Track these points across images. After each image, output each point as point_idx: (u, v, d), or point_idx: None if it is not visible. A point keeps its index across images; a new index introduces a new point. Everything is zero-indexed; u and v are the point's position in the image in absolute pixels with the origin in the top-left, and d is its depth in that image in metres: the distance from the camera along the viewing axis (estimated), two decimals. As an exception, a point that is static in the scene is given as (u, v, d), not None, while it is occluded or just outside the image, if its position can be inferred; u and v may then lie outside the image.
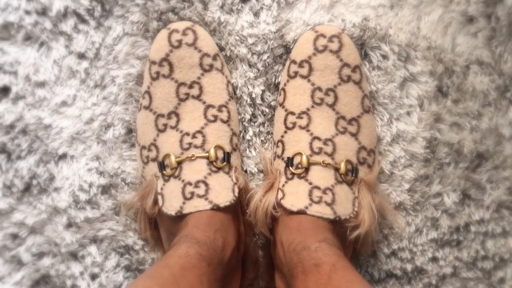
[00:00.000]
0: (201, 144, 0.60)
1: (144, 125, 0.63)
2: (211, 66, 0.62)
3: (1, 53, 0.66)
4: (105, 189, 0.67)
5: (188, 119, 0.61)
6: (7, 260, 0.68)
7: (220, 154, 0.60)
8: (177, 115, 0.61)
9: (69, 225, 0.67)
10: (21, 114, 0.66)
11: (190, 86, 0.61)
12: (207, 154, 0.59)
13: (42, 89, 0.66)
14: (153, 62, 0.61)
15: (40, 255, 0.68)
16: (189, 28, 0.61)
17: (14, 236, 0.68)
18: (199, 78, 0.61)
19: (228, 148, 0.61)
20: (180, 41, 0.61)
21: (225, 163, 0.60)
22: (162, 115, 0.62)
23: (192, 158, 0.59)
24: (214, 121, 0.61)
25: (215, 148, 0.60)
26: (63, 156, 0.67)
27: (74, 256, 0.68)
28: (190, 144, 0.60)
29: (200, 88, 0.61)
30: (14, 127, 0.66)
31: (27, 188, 0.67)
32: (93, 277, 0.68)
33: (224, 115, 0.62)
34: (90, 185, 0.67)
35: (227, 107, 0.63)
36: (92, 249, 0.68)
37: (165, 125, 0.62)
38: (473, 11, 0.64)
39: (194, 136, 0.60)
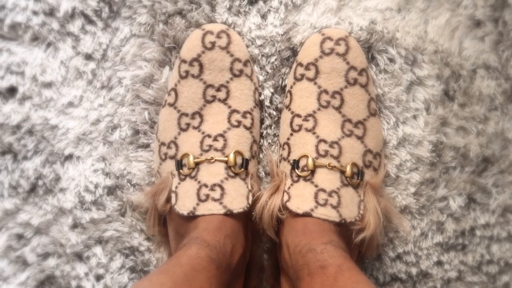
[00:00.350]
0: (221, 148, 0.60)
1: (167, 122, 0.63)
2: (241, 71, 0.62)
3: (8, 54, 0.66)
4: (111, 190, 0.67)
5: (211, 121, 0.61)
6: (12, 261, 0.68)
7: (239, 160, 0.60)
8: (201, 116, 0.62)
9: (74, 226, 0.67)
10: (27, 115, 0.66)
11: (218, 89, 0.61)
12: (226, 159, 0.59)
13: (49, 90, 0.66)
14: (184, 61, 0.62)
15: (45, 256, 0.68)
16: (223, 31, 0.61)
17: (20, 237, 0.68)
18: (227, 82, 0.62)
19: (247, 155, 0.61)
20: (213, 43, 0.61)
21: (242, 169, 0.60)
22: (186, 114, 0.62)
23: (211, 160, 0.59)
24: (237, 126, 0.62)
25: (234, 154, 0.60)
26: (69, 157, 0.67)
27: (79, 257, 0.68)
28: (210, 146, 0.60)
29: (228, 92, 0.62)
30: (21, 128, 0.66)
31: (33, 189, 0.67)
32: (98, 278, 0.68)
33: (247, 122, 0.62)
34: (96, 186, 0.67)
35: (252, 114, 0.63)
36: (97, 250, 0.68)
37: (188, 124, 0.62)
38: (480, 15, 0.64)
39: (215, 139, 0.61)
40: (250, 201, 0.59)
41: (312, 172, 0.59)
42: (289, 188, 0.60)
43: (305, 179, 0.59)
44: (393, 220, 0.66)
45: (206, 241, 0.55)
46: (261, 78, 0.65)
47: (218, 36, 0.61)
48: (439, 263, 0.68)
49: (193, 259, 0.52)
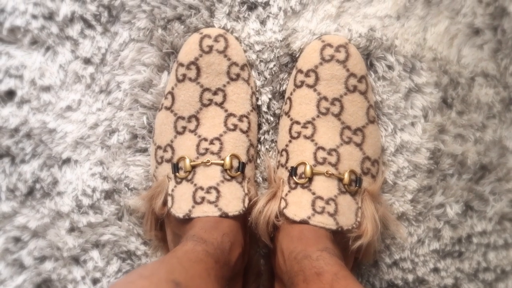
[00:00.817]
0: (217, 151, 0.60)
1: (163, 125, 0.63)
2: (238, 75, 0.62)
3: (7, 57, 0.66)
4: (108, 194, 0.67)
5: (208, 124, 0.62)
6: (9, 263, 0.68)
7: (235, 163, 0.60)
8: (197, 119, 0.62)
9: (71, 229, 0.67)
10: (25, 118, 0.66)
11: (215, 93, 0.62)
12: (222, 162, 0.59)
13: (47, 94, 0.66)
14: (181, 64, 0.62)
15: (42, 259, 0.68)
16: (221, 35, 0.61)
17: (17, 240, 0.68)
18: (224, 86, 0.62)
19: (244, 158, 0.61)
20: (211, 47, 0.61)
21: (239, 172, 0.60)
22: (183, 118, 0.62)
23: (207, 163, 0.60)
24: (234, 130, 0.62)
25: (231, 157, 0.60)
26: (67, 161, 0.67)
27: (76, 260, 0.68)
28: (206, 149, 0.60)
29: (224, 96, 0.62)
30: (19, 131, 0.66)
31: (31, 192, 0.67)
32: (95, 281, 0.68)
33: (244, 125, 0.62)
34: (94, 190, 0.67)
35: (248, 118, 0.63)
36: (94, 253, 0.68)
37: (184, 128, 0.62)
38: (480, 23, 0.64)
39: (211, 142, 0.61)
40: (246, 205, 0.59)
41: (310, 179, 0.59)
42: (286, 195, 0.60)
43: (303, 186, 0.59)
44: (390, 227, 0.66)
45: (202, 238, 0.55)
46: (259, 83, 0.65)
47: (216, 40, 0.61)
48: (436, 270, 0.68)
49: (189, 253, 0.52)
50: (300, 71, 0.62)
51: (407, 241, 0.67)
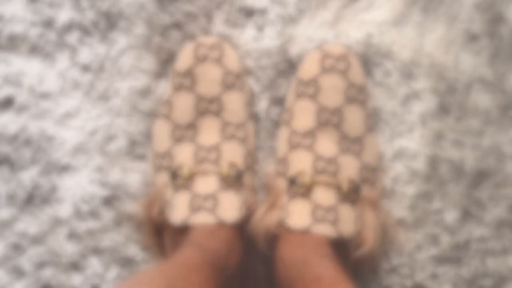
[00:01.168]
0: (215, 159, 0.61)
1: (161, 132, 0.63)
2: (233, 84, 0.62)
3: (5, 64, 0.66)
4: (107, 201, 0.67)
5: (205, 133, 0.62)
6: (9, 270, 0.68)
7: (233, 172, 0.61)
8: (194, 127, 0.62)
9: (70, 235, 0.68)
10: (24, 125, 0.66)
11: (210, 101, 0.62)
12: (220, 170, 0.60)
13: (46, 100, 0.66)
14: (177, 73, 0.62)
15: (41, 265, 0.68)
16: (216, 44, 0.62)
17: (16, 246, 0.68)
18: (220, 94, 0.62)
19: (241, 167, 0.62)
20: (205, 56, 0.61)
21: (237, 181, 0.60)
22: (180, 126, 0.62)
23: (205, 172, 0.60)
24: (231, 139, 0.62)
25: (228, 165, 0.60)
26: (65, 167, 0.67)
27: (75, 266, 0.68)
28: (204, 158, 0.61)
29: (220, 105, 0.62)
30: (18, 138, 0.67)
31: (30, 199, 0.68)
32: (94, 288, 0.68)
33: (241, 134, 0.63)
34: (92, 196, 0.67)
35: (245, 127, 0.63)
36: (93, 260, 0.68)
37: (182, 136, 0.62)
38: (477, 29, 0.65)
39: (209, 151, 0.61)
40: (243, 213, 0.59)
41: (309, 188, 0.59)
42: (286, 204, 0.60)
43: (302, 195, 0.59)
44: (389, 233, 0.66)
45: (200, 245, 0.55)
46: (257, 90, 0.65)
47: (211, 49, 0.61)
48: (434, 275, 0.68)
49: (187, 259, 0.52)
50: (301, 81, 0.62)
51: (405, 247, 0.67)
